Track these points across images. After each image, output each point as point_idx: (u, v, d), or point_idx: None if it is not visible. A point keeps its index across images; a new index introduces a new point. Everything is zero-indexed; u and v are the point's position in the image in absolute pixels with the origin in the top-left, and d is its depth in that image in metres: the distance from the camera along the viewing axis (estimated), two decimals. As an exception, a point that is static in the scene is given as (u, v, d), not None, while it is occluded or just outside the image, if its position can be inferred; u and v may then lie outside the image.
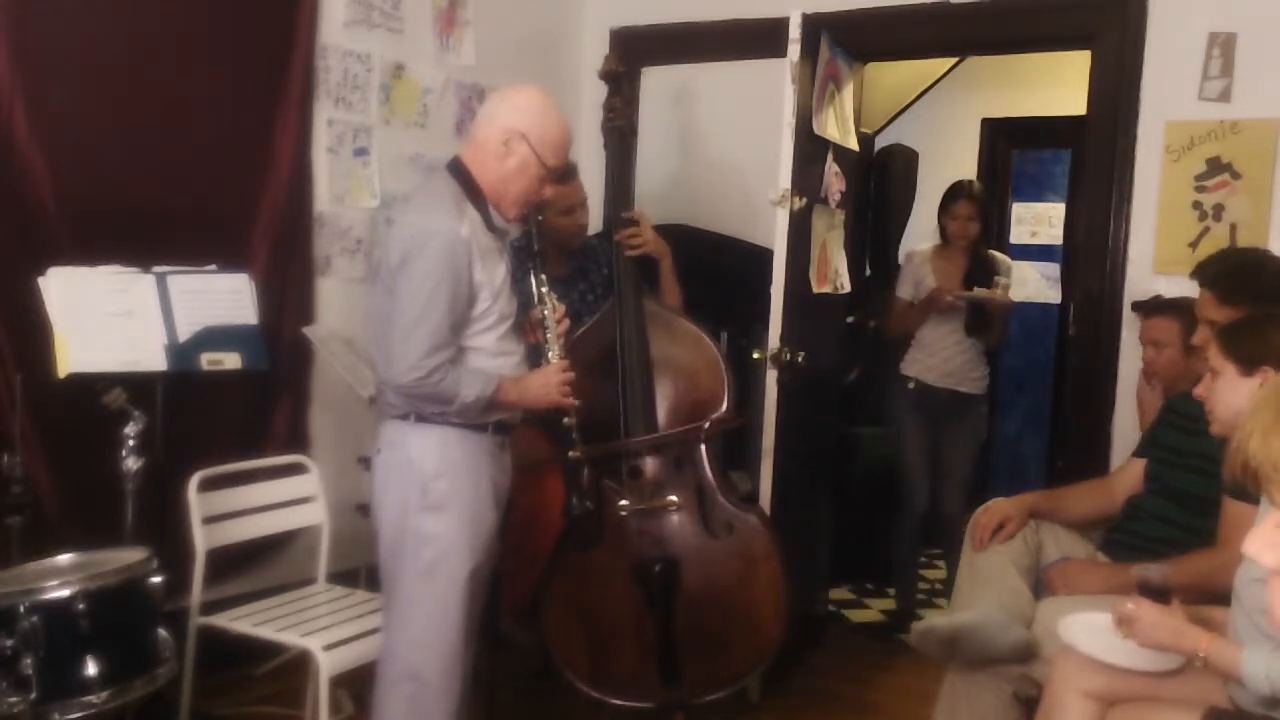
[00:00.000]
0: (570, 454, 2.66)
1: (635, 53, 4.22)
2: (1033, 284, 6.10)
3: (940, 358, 4.21)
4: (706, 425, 3.07)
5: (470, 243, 2.34)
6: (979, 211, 4.24)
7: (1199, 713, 2.04)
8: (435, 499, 2.38)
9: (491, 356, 2.42)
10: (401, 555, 2.40)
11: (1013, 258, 6.24)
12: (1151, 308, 3.22)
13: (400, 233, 2.34)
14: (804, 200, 3.44)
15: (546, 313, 2.57)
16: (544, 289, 2.57)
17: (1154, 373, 3.13)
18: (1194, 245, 3.48)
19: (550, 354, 2.55)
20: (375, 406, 2.64)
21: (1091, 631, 2.22)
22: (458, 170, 2.46)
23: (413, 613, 2.41)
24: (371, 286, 2.50)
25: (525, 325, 2.58)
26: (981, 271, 4.22)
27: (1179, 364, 3.03)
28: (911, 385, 4.25)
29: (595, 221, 3.54)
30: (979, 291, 4.12)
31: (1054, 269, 6.08)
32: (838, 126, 3.77)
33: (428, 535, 2.38)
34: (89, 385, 2.49)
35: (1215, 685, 2.12)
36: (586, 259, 3.39)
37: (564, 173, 3.15)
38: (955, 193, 4.27)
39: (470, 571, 2.41)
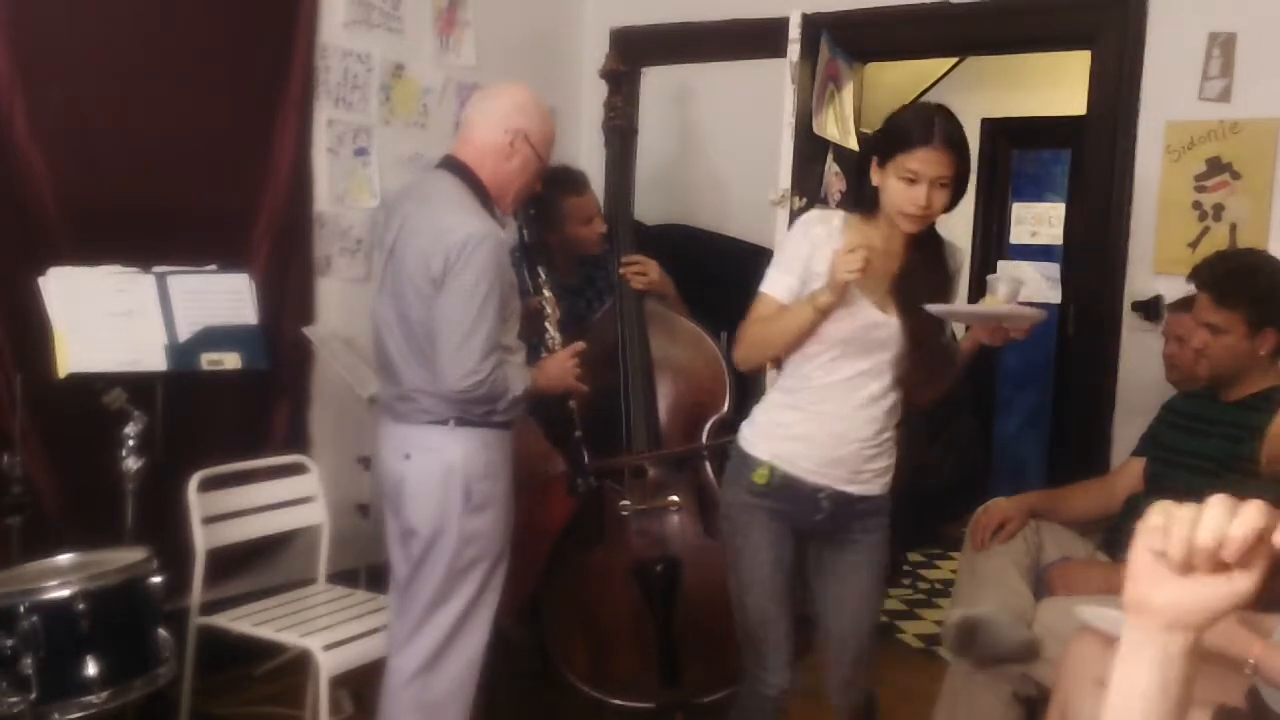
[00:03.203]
0: (576, 434, 2.69)
1: (635, 53, 4.22)
2: (1032, 284, 6.09)
3: (828, 429, 2.30)
4: (707, 429, 3.09)
5: (506, 242, 2.39)
6: (957, 172, 2.20)
7: (1210, 711, 2.04)
8: (479, 500, 2.42)
9: (513, 353, 2.47)
10: (437, 557, 2.42)
11: (1013, 258, 6.20)
12: (1183, 304, 3.21)
13: (441, 238, 2.31)
14: (804, 200, 3.44)
15: (545, 302, 2.67)
16: (540, 279, 2.64)
17: (1175, 366, 3.12)
18: (1194, 245, 3.48)
19: (553, 341, 2.64)
20: (376, 408, 2.65)
21: (1111, 617, 2.19)
22: (460, 170, 2.46)
23: (444, 610, 2.44)
24: (381, 294, 2.49)
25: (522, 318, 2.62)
26: (931, 269, 2.33)
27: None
28: (762, 479, 2.31)
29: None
30: (989, 303, 2.29)
31: (1054, 269, 6.08)
32: (838, 126, 3.77)
33: (472, 535, 2.42)
34: (89, 385, 2.49)
35: (1228, 685, 2.11)
36: (595, 268, 3.40)
37: (578, 184, 3.20)
38: (919, 129, 2.18)
39: (505, 562, 2.49)
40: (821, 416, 2.31)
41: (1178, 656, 0.92)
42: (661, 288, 3.26)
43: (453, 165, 2.48)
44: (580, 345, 2.65)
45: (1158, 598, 0.91)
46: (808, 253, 2.28)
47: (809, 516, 2.35)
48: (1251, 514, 0.86)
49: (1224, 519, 0.86)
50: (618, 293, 3.15)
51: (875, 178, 2.27)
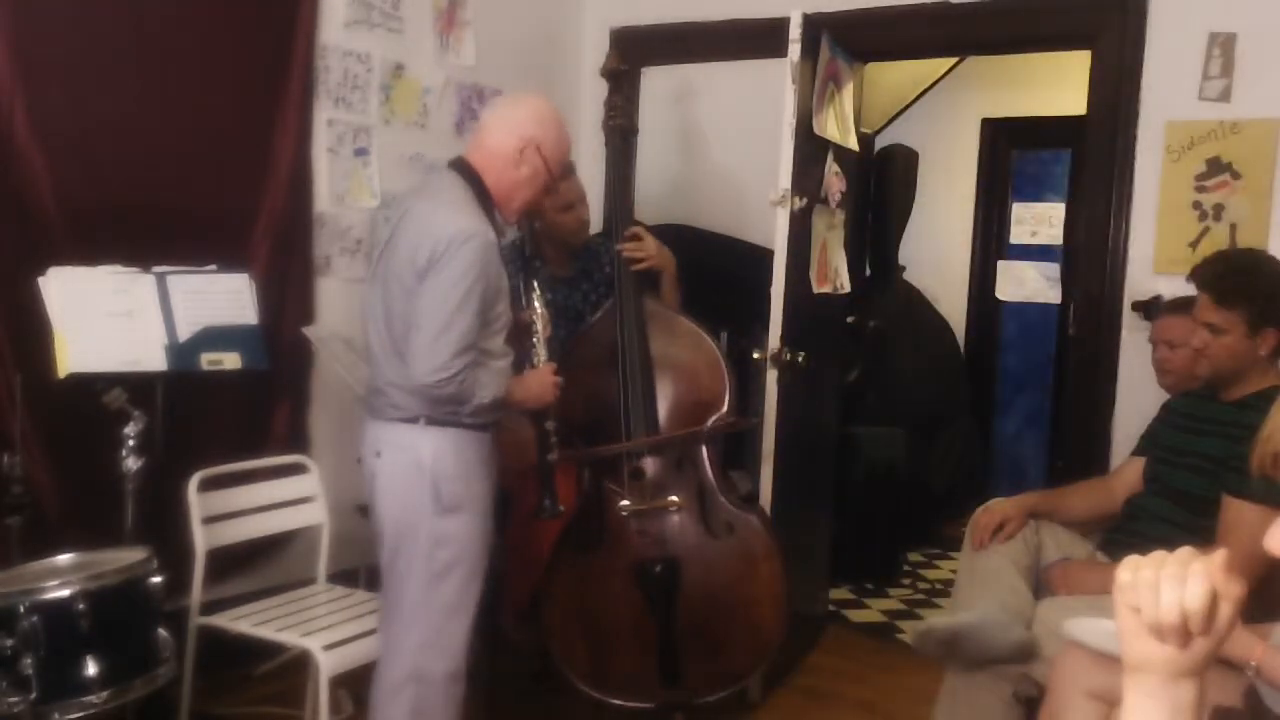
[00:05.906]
0: (549, 456, 2.68)
1: (635, 52, 4.22)
2: (1032, 284, 6.10)
3: None
4: (708, 425, 3.08)
5: (497, 246, 2.37)
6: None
7: (1207, 711, 2.03)
8: (450, 501, 2.40)
9: (497, 358, 2.45)
10: (412, 558, 2.41)
11: (1012, 258, 6.21)
12: (1171, 307, 3.21)
13: (430, 232, 2.32)
14: (804, 200, 3.44)
15: (536, 317, 2.64)
16: (535, 293, 2.63)
17: (1168, 371, 3.12)
18: (1194, 245, 3.48)
19: (538, 357, 2.61)
20: (365, 405, 2.65)
21: (1100, 630, 2.20)
22: (466, 172, 2.47)
23: (421, 614, 2.43)
24: (372, 285, 2.50)
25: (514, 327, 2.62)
26: None
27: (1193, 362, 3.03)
28: None
29: (596, 221, 3.54)
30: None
31: (1054, 269, 6.08)
32: (838, 126, 3.77)
33: (444, 537, 2.40)
34: (89, 385, 2.49)
35: (1225, 685, 2.11)
36: (590, 259, 3.39)
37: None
38: None
39: (482, 571, 2.47)
40: None
41: (1189, 706, 0.92)
42: (661, 264, 3.23)
43: (460, 166, 2.49)
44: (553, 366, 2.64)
45: (1156, 655, 0.91)
46: None
47: None
48: (1200, 586, 0.88)
49: (1180, 591, 0.88)
50: (618, 291, 3.15)
51: None
